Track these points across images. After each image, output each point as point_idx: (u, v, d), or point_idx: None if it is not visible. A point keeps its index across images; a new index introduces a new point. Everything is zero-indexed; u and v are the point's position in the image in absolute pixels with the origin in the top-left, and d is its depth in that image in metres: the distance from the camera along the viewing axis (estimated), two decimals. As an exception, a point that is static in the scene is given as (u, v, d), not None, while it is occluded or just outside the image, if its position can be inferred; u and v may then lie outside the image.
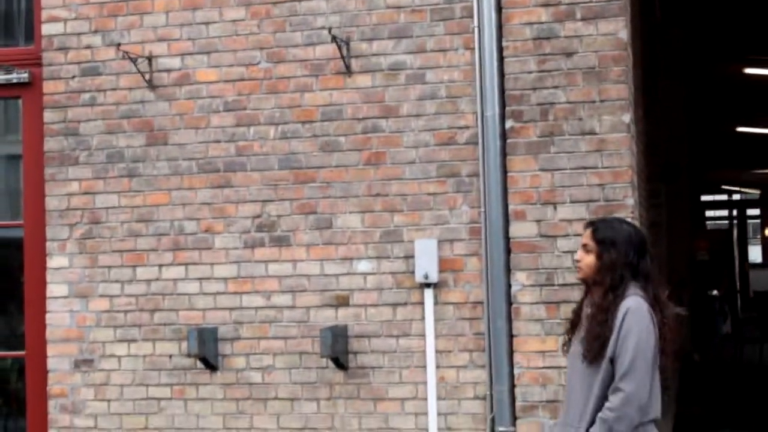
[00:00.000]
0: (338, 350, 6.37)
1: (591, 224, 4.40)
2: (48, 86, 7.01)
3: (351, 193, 6.53)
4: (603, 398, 4.10)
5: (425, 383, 6.36)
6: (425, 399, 6.36)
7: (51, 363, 6.95)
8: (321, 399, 6.54)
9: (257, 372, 6.63)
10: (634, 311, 4.10)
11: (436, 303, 6.37)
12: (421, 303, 6.39)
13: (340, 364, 6.44)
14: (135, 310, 6.83)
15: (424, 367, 6.37)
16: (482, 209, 6.28)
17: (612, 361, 4.09)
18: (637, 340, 4.04)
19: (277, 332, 6.61)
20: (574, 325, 4.45)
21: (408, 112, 6.47)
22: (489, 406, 6.25)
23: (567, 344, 4.45)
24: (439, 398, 6.36)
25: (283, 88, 6.66)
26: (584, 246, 4.32)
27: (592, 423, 4.12)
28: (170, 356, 6.77)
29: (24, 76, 7.15)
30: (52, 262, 6.96)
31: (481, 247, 6.30)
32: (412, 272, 6.39)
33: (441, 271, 6.36)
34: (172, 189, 6.81)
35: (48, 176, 6.99)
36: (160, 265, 6.81)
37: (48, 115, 7.00)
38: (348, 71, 6.55)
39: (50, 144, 6.98)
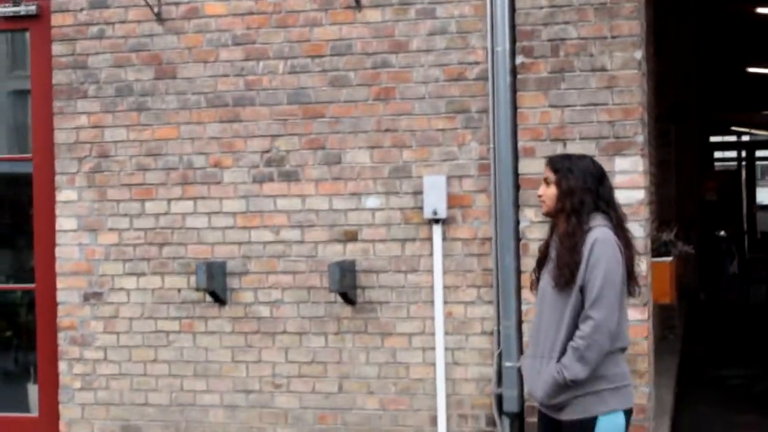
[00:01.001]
0: (346, 285, 6.39)
1: (549, 159, 4.46)
2: (56, 19, 6.97)
3: (360, 128, 6.52)
4: (573, 328, 4.15)
5: (433, 318, 6.39)
6: (433, 334, 6.40)
7: (60, 296, 6.99)
8: (329, 333, 6.58)
9: (266, 306, 6.66)
10: (602, 241, 4.14)
11: (444, 239, 6.39)
12: (430, 239, 6.41)
13: (348, 299, 6.47)
14: (144, 244, 6.86)
15: (432, 302, 6.40)
16: (491, 145, 6.27)
17: (582, 290, 4.15)
18: (605, 269, 4.09)
19: (286, 267, 6.64)
20: (541, 262, 4.49)
21: (418, 47, 6.43)
22: (496, 342, 6.29)
23: (536, 281, 4.47)
24: (446, 333, 6.39)
25: (293, 23, 6.62)
26: (545, 180, 4.38)
27: (563, 352, 4.17)
28: (179, 290, 6.81)
29: (32, 8, 7.10)
30: (61, 195, 6.98)
31: (490, 183, 6.30)
32: (421, 208, 6.40)
33: (449, 207, 6.36)
34: (180, 123, 6.80)
35: (56, 110, 6.97)
36: (169, 200, 6.82)
37: (56, 48, 6.97)
38: (358, 6, 6.50)
39: (58, 77, 6.96)
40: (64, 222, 6.98)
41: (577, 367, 4.07)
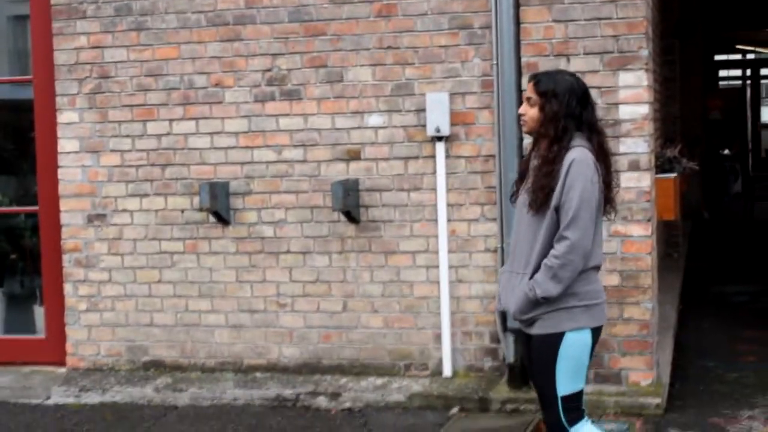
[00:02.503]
0: (350, 204, 6.38)
1: (533, 77, 4.35)
2: (53, -62, 6.87)
3: (362, 45, 6.44)
4: (548, 246, 4.15)
5: (436, 237, 6.39)
6: (436, 252, 6.40)
7: (64, 218, 6.99)
8: (333, 252, 6.58)
9: (269, 226, 6.66)
10: (579, 162, 4.11)
11: (447, 156, 6.36)
12: (433, 156, 6.37)
13: (352, 217, 6.46)
14: (146, 165, 6.83)
15: (435, 220, 6.39)
16: (495, 62, 6.20)
17: (557, 210, 4.14)
18: (581, 190, 4.07)
19: (289, 186, 6.62)
20: (522, 175, 4.45)
21: (417, -38, 6.34)
22: (500, 259, 6.27)
23: (515, 194, 4.45)
24: (450, 251, 6.39)
25: (293, -62, 6.52)
26: (528, 99, 4.30)
27: (537, 269, 4.17)
28: (182, 211, 6.80)
29: (28, -73, 7.00)
30: (63, 117, 6.94)
31: (493, 100, 6.24)
32: (424, 126, 6.36)
33: (452, 124, 6.32)
34: (181, 43, 6.73)
35: (56, 30, 6.90)
36: (171, 120, 6.78)
37: (54, -32, 6.88)
38: None
39: (57, -3, 6.88)
40: (65, 144, 6.95)
41: (549, 284, 4.09)
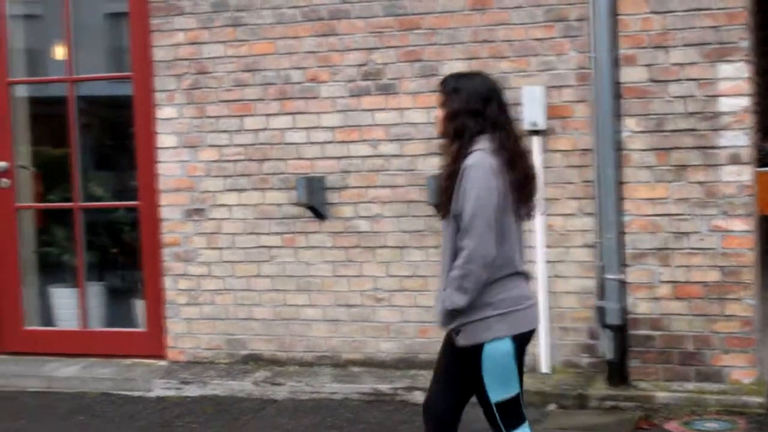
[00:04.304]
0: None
1: (443, 79, 4.38)
2: (151, -64, 7.22)
3: (456, 39, 6.66)
4: (455, 255, 4.13)
5: (533, 231, 6.54)
6: (533, 247, 6.56)
7: (163, 212, 7.36)
8: (429, 247, 6.81)
9: (365, 220, 6.92)
10: (473, 167, 4.06)
11: (543, 150, 6.53)
12: (529, 150, 6.52)
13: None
14: (244, 160, 7.15)
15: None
16: (591, 54, 6.35)
17: (457, 218, 4.12)
18: (475, 197, 4.02)
19: (385, 181, 6.87)
20: None
21: (513, -46, 6.53)
22: (598, 254, 6.44)
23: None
24: (547, 246, 6.57)
25: (387, -67, 6.77)
26: (438, 100, 4.33)
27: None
28: (279, 205, 7.10)
29: (127, -74, 7.36)
30: (161, 113, 7.30)
31: (590, 93, 6.40)
32: (519, 119, 6.51)
33: (548, 118, 6.50)
34: (277, 38, 7.03)
35: (154, 27, 7.26)
36: (267, 115, 7.09)
37: (152, -35, 7.24)
38: None
39: (157, -6, 7.24)
40: (164, 139, 7.31)
41: (456, 296, 4.07)
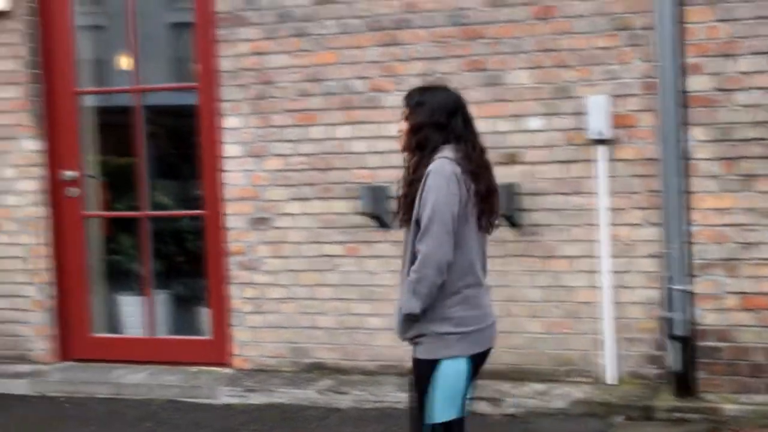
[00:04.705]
0: (509, 207, 6.63)
1: (408, 92, 4.40)
2: (216, -53, 7.34)
3: (520, 48, 6.70)
4: (414, 261, 4.14)
5: (597, 241, 6.59)
6: (597, 257, 6.61)
7: (228, 221, 7.47)
8: (492, 257, 6.72)
9: (429, 230, 6.95)
10: (435, 173, 4.08)
11: (608, 160, 6.54)
12: (594, 160, 6.58)
13: (512, 221, 6.72)
14: (307, 169, 7.24)
15: (596, 224, 6.60)
16: (656, 63, 6.35)
17: (417, 223, 4.13)
18: (434, 202, 4.03)
19: (448, 190, 6.89)
20: None
21: (577, -37, 6.56)
22: (664, 265, 6.44)
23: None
24: (612, 256, 6.59)
25: (450, -59, 6.82)
26: (403, 114, 4.35)
27: None
28: (343, 214, 7.18)
29: (192, -63, 7.49)
30: (227, 122, 7.41)
31: (655, 102, 6.40)
32: (584, 129, 6.56)
33: (613, 127, 6.51)
34: (340, 48, 7.11)
35: (219, 37, 7.37)
36: (331, 124, 7.16)
37: (217, -24, 7.35)
38: None
39: (221, 5, 7.34)
40: (229, 149, 7.42)
41: (411, 300, 4.08)
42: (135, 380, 7.49)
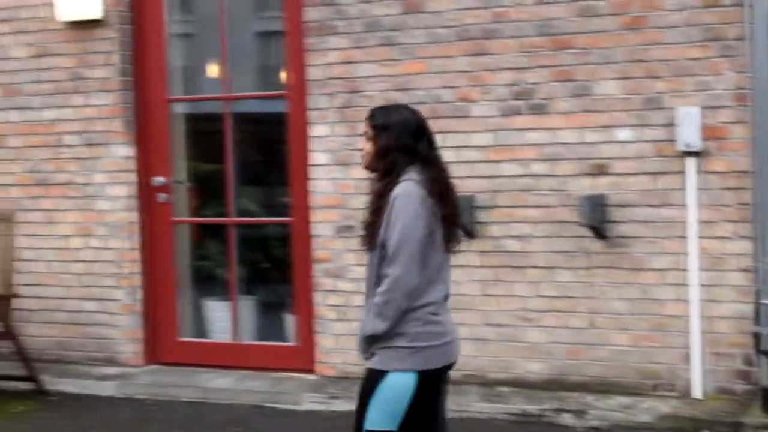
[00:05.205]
0: (597, 219, 6.65)
1: (370, 112, 4.41)
2: (307, -43, 7.46)
3: (610, 59, 6.71)
4: (379, 284, 4.18)
5: (686, 254, 6.57)
6: (686, 270, 6.58)
7: (315, 229, 7.57)
8: (579, 268, 6.86)
9: (514, 240, 7.01)
10: (402, 196, 4.11)
11: (698, 172, 6.52)
12: (683, 172, 6.56)
13: (599, 233, 6.73)
14: (394, 178, 7.28)
15: (686, 237, 6.58)
16: (749, 74, 6.32)
17: (384, 246, 4.15)
18: (402, 226, 4.07)
19: (535, 201, 6.95)
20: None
21: (670, -27, 6.55)
22: (755, 279, 6.39)
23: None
24: (701, 269, 6.56)
25: (541, -48, 6.86)
26: (365, 134, 4.35)
27: None
28: (429, 224, 7.20)
29: (284, -53, 7.61)
30: (314, 131, 7.51)
31: (748, 114, 6.36)
32: (674, 140, 6.54)
33: (704, 139, 6.48)
34: (428, 57, 7.18)
35: (308, 46, 7.48)
36: (418, 134, 7.21)
37: (307, -15, 7.47)
38: (607, -69, 6.66)
39: (310, 14, 7.45)
40: (317, 157, 7.52)
41: (375, 322, 4.13)
42: (220, 385, 7.63)
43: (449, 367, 4.32)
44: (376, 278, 4.19)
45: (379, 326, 4.13)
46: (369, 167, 4.36)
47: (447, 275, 4.38)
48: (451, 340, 4.30)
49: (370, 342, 4.21)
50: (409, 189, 4.14)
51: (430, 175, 4.22)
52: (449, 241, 4.28)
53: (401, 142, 4.24)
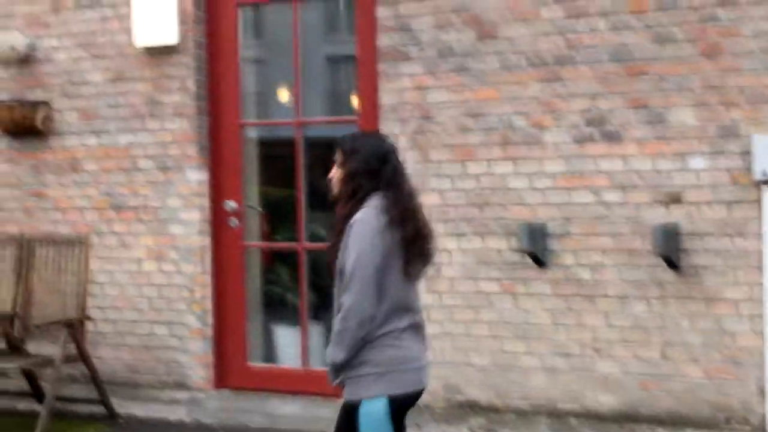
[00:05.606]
0: (670, 249, 6.59)
1: (340, 139, 4.46)
2: (380, -18, 7.54)
3: (685, 86, 6.67)
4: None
5: (761, 285, 6.49)
6: (761, 301, 6.50)
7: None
8: (651, 298, 6.80)
9: (586, 269, 6.98)
10: (359, 222, 4.16)
11: (775, 202, 6.46)
12: (759, 201, 6.49)
13: (671, 262, 6.67)
14: (465, 205, 7.32)
15: (761, 268, 6.49)
16: (828, 103, 6.26)
17: (342, 273, 4.20)
18: (357, 254, 4.11)
19: (607, 229, 6.91)
20: None
21: (747, 0, 6.48)
22: (832, 311, 6.31)
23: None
24: (780, 298, 6.49)
25: (614, -22, 6.85)
26: (335, 162, 4.41)
27: None
28: (499, 251, 7.22)
29: (357, -27, 7.70)
30: (385, 157, 7.52)
31: (826, 143, 6.29)
32: (750, 169, 6.47)
33: (781, 168, 6.42)
34: (501, 84, 7.19)
35: (381, 72, 7.54)
36: (490, 160, 7.24)
37: (381, 11, 7.53)
38: (683, -42, 6.64)
39: (383, 40, 7.52)
40: (387, 183, 7.53)
41: (335, 350, 4.22)
42: (289, 411, 7.68)
43: (418, 395, 4.38)
44: (338, 305, 4.27)
45: (339, 355, 4.23)
46: (336, 193, 4.46)
47: (415, 305, 4.44)
48: (417, 367, 4.36)
49: (337, 370, 4.31)
50: (367, 217, 4.24)
51: (393, 198, 4.31)
52: (408, 265, 4.32)
53: (368, 167, 4.34)
